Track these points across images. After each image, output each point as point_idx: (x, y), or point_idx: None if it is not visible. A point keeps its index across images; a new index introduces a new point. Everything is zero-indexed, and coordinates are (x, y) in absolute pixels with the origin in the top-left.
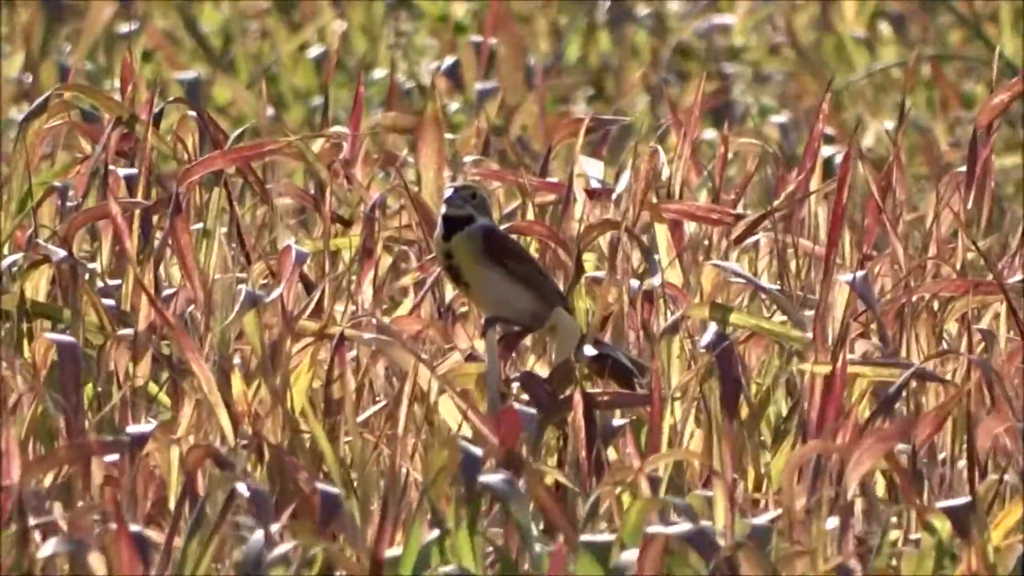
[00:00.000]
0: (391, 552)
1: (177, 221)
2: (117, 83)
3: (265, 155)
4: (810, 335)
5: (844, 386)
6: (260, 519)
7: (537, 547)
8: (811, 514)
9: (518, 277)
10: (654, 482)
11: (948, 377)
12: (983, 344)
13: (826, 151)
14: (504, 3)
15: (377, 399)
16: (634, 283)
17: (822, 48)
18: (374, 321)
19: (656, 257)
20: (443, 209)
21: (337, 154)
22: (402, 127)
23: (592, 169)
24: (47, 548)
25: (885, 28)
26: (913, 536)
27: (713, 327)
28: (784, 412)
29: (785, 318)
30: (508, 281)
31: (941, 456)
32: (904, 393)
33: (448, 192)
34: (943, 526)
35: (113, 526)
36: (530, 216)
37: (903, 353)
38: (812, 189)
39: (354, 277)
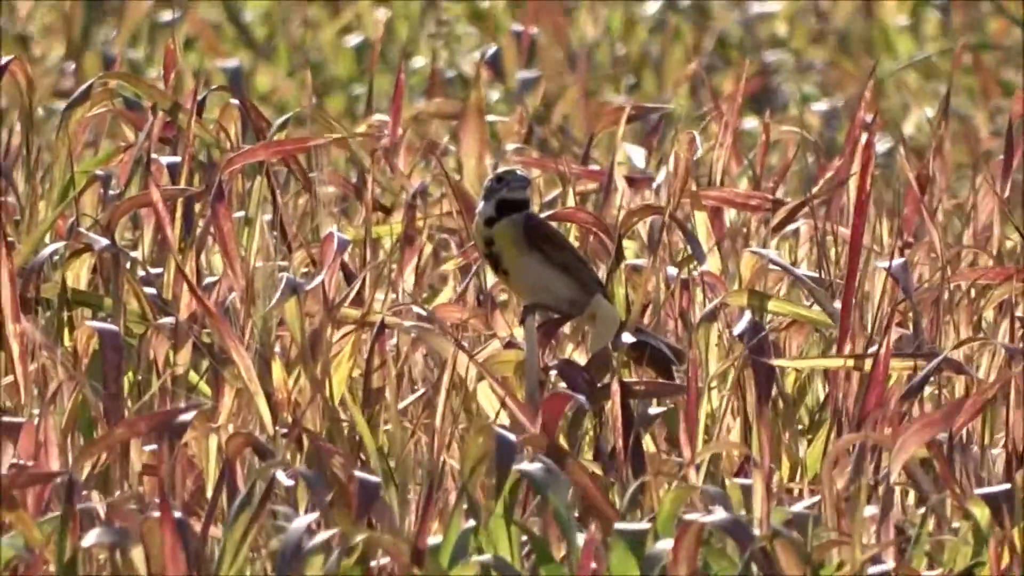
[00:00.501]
0: (431, 541)
1: (219, 209)
2: (159, 71)
3: (307, 149)
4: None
5: (885, 375)
6: (310, 501)
7: (577, 536)
8: (850, 502)
9: (557, 263)
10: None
11: (984, 365)
12: (1022, 332)
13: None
14: None
15: (415, 388)
16: (672, 271)
17: (864, 36)
18: (414, 309)
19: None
20: (504, 193)
21: (379, 142)
22: (445, 114)
23: (634, 156)
24: (90, 537)
25: (928, 16)
26: (951, 525)
27: (747, 315)
28: (821, 400)
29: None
30: (547, 268)
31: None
32: (937, 381)
33: (519, 172)
34: (982, 513)
35: (155, 514)
36: (570, 203)
37: (939, 342)
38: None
39: (394, 265)
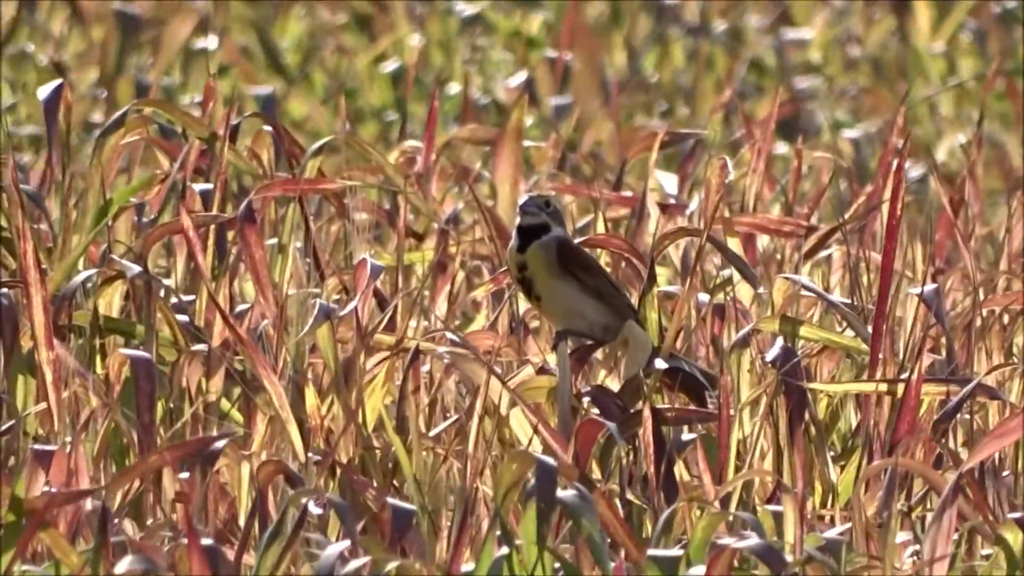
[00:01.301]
0: (464, 568)
1: (250, 235)
2: (192, 98)
3: (331, 188)
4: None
5: (918, 401)
6: (343, 529)
7: (610, 564)
8: (883, 528)
9: (590, 289)
10: (722, 497)
11: (1015, 390)
12: None
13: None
14: (580, 17)
15: (447, 415)
16: (704, 297)
17: (898, 62)
18: (448, 335)
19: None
20: (518, 220)
21: (411, 168)
22: (480, 139)
23: (666, 183)
24: (122, 565)
25: (963, 41)
26: (983, 552)
27: (780, 341)
28: (853, 426)
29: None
30: (580, 293)
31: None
32: (969, 407)
33: (522, 199)
34: (1015, 538)
35: (184, 542)
36: (600, 229)
37: (971, 367)
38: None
39: (427, 292)
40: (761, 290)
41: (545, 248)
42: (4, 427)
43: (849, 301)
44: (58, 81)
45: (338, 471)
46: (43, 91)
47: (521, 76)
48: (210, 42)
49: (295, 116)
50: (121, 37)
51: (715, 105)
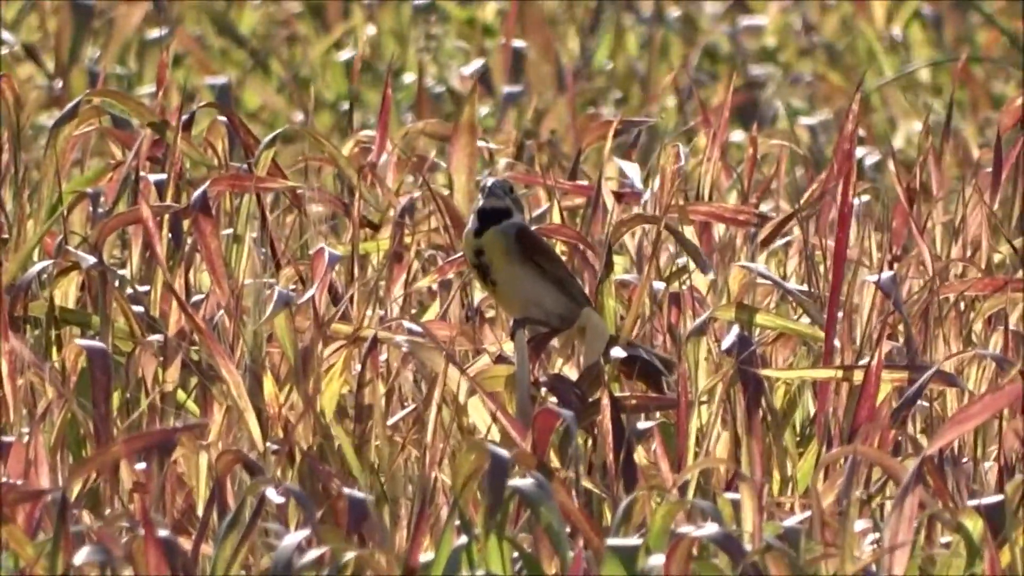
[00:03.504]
0: (423, 558)
1: (205, 226)
2: (147, 88)
3: (277, 189)
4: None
5: (877, 387)
6: (301, 518)
7: (569, 553)
8: (842, 516)
9: (549, 276)
10: (680, 485)
11: (972, 377)
12: (1009, 344)
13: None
14: (534, 5)
15: (405, 404)
16: (659, 285)
17: (852, 49)
18: (405, 324)
19: (684, 258)
20: (480, 203)
21: (366, 158)
22: (437, 134)
23: (630, 171)
24: (80, 556)
25: (916, 30)
26: (943, 540)
27: (735, 329)
28: (811, 414)
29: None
30: (538, 280)
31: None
32: (927, 394)
33: (488, 182)
34: (975, 525)
35: (142, 532)
36: (556, 219)
37: (929, 355)
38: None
39: (383, 282)
40: (711, 275)
41: (504, 234)
42: None
43: (805, 288)
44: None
45: (297, 460)
46: None
47: (475, 64)
48: (162, 31)
49: (250, 106)
50: (75, 26)
51: (666, 87)
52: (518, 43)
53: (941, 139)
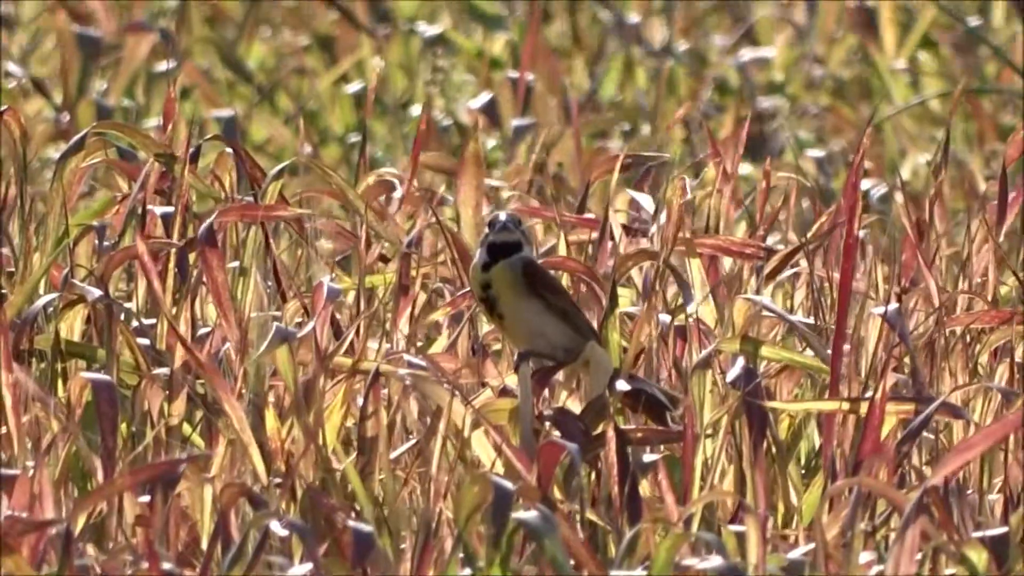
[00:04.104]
0: None
1: (211, 259)
2: (155, 121)
3: (291, 217)
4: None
5: (882, 419)
6: (304, 551)
7: None
8: (846, 548)
9: (555, 310)
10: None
11: (978, 410)
12: (1017, 377)
13: (863, 185)
14: (541, 38)
15: (409, 436)
16: (665, 318)
17: (861, 82)
18: (407, 358)
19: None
20: (490, 237)
21: (379, 193)
22: (442, 167)
23: (644, 203)
24: None
25: (926, 61)
26: (947, 572)
27: (740, 362)
28: (816, 446)
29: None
30: (545, 313)
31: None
32: (934, 427)
33: (501, 216)
34: (979, 557)
35: (146, 565)
36: (562, 252)
37: (935, 387)
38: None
39: (389, 315)
40: (693, 307)
41: (511, 267)
42: None
43: (810, 321)
44: (2, 108)
45: (299, 493)
46: None
47: (484, 97)
48: (170, 64)
49: (257, 139)
50: (83, 59)
51: (672, 121)
52: (527, 75)
53: (938, 168)
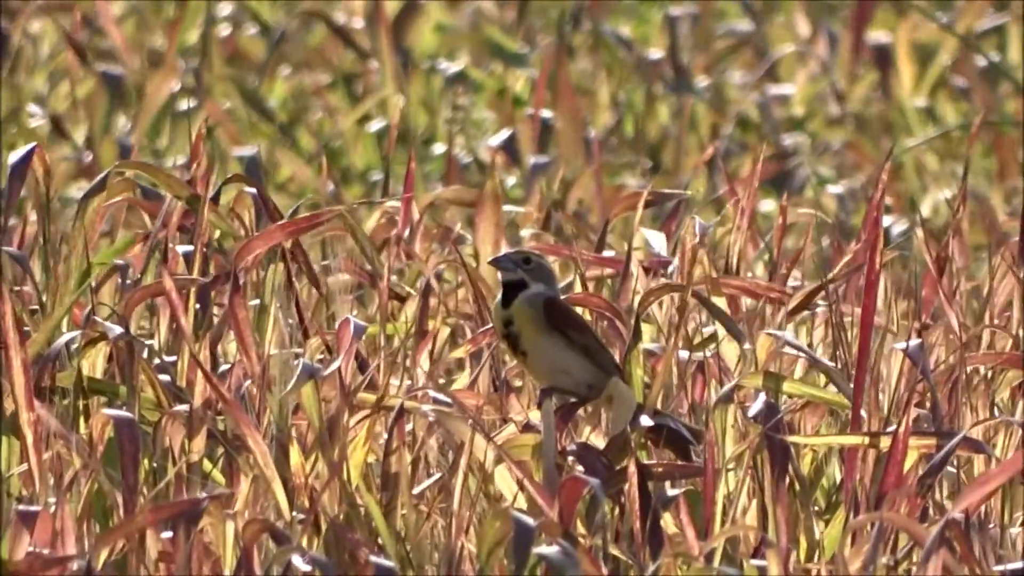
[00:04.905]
0: None
1: (235, 298)
2: (177, 159)
3: (315, 227)
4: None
5: (904, 453)
6: None
7: None
8: None
9: (577, 346)
10: (707, 553)
11: (999, 444)
12: None
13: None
14: (563, 75)
15: (431, 472)
16: (684, 354)
17: (882, 118)
18: (431, 393)
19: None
20: (499, 275)
21: (392, 229)
22: (463, 201)
23: (655, 242)
24: None
25: (946, 97)
26: None
27: (762, 397)
28: (838, 481)
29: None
30: (567, 350)
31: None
32: (955, 462)
33: (500, 256)
34: None
35: None
36: (578, 289)
37: (956, 422)
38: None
39: (409, 352)
40: (747, 346)
41: (532, 305)
42: None
43: (831, 358)
44: (31, 145)
45: (323, 528)
46: (14, 155)
47: (504, 135)
48: (192, 103)
49: (280, 177)
50: (108, 98)
51: (697, 162)
52: (547, 113)
53: (958, 206)
